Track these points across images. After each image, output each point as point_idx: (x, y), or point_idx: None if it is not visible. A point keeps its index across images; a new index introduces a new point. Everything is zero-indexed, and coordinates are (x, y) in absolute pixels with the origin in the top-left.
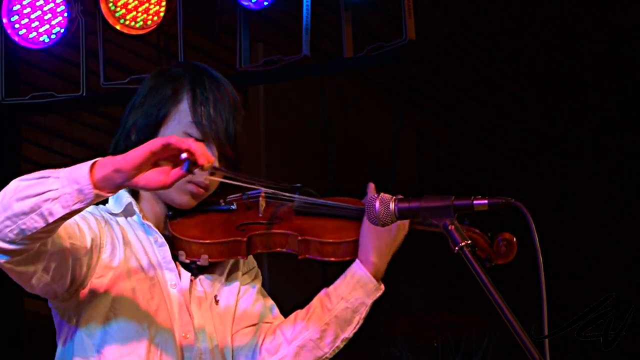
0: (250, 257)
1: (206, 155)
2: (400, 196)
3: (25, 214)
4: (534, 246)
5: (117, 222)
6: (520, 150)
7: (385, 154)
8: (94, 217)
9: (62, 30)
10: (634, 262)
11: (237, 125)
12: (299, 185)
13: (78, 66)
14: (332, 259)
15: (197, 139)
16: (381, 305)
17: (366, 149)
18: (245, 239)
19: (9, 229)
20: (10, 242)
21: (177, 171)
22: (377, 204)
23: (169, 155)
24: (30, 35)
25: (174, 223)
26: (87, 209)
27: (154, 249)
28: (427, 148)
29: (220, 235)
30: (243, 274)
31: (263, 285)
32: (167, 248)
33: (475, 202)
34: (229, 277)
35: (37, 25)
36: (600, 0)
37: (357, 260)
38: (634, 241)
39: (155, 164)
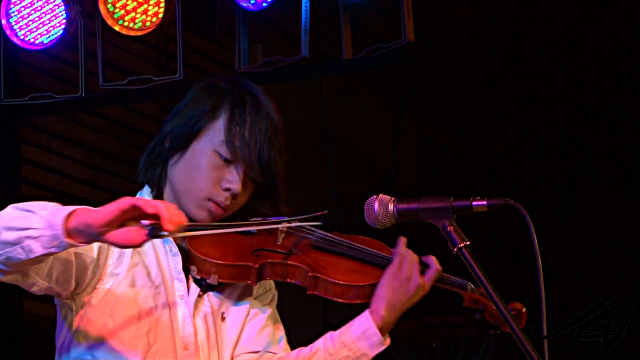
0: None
1: (174, 219)
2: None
3: (10, 244)
4: (533, 247)
5: None
6: (520, 152)
7: (385, 155)
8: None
9: (61, 32)
10: (634, 262)
11: (273, 151)
12: (323, 212)
13: (77, 67)
14: (340, 300)
15: (225, 159)
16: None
17: (366, 150)
18: (257, 266)
19: None
20: (1, 263)
21: (144, 234)
22: (376, 205)
23: (138, 215)
24: (29, 37)
25: (191, 237)
26: None
27: (167, 257)
28: (426, 149)
29: (233, 258)
30: (255, 298)
31: None
32: (179, 258)
33: (474, 203)
34: (240, 298)
35: (36, 27)
36: (600, 1)
37: (366, 311)
38: (634, 241)
39: (125, 223)
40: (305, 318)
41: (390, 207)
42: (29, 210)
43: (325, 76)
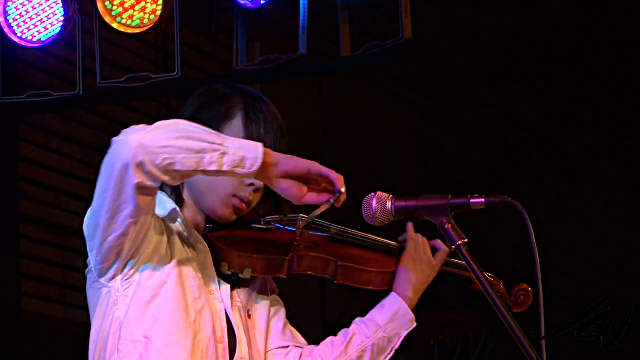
0: (273, 281)
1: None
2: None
3: (191, 151)
4: (531, 245)
5: (165, 223)
6: (520, 151)
7: (384, 153)
8: (159, 220)
9: (59, 29)
10: (634, 262)
11: (284, 147)
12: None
13: (75, 65)
14: (368, 287)
15: None
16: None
17: (365, 148)
18: (288, 258)
19: (165, 156)
20: (156, 166)
21: (317, 197)
22: (374, 203)
23: (319, 180)
24: (27, 34)
25: (216, 235)
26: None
27: (195, 254)
28: (426, 148)
29: (264, 251)
30: (272, 294)
31: None
32: (209, 256)
33: (472, 200)
34: (260, 296)
35: (33, 24)
36: (599, 0)
37: (393, 294)
38: (634, 241)
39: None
40: (304, 314)
41: (388, 204)
42: (210, 132)
43: (323, 74)
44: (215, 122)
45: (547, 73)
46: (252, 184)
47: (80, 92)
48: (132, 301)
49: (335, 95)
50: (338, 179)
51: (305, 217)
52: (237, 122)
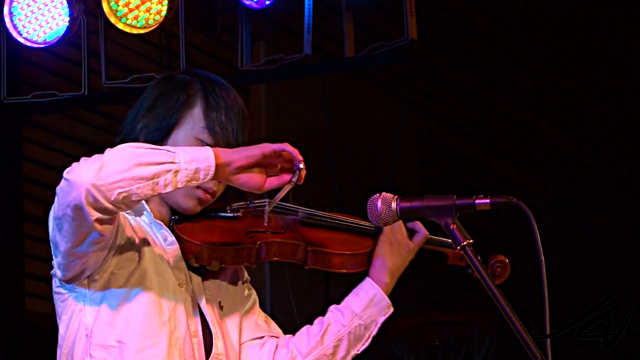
0: (244, 268)
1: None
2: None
3: (144, 179)
4: (536, 245)
5: (133, 218)
6: (522, 151)
7: (387, 154)
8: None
9: (64, 30)
10: (634, 262)
11: (246, 133)
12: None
13: (80, 65)
14: (341, 270)
15: (206, 144)
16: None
17: (368, 149)
18: (255, 246)
19: (119, 191)
20: (111, 203)
21: (277, 180)
22: (379, 203)
23: (274, 162)
24: (32, 35)
25: (182, 227)
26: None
27: (163, 247)
28: (428, 148)
29: (230, 241)
30: (243, 283)
31: (263, 296)
32: (177, 247)
33: (477, 201)
34: (230, 285)
35: (39, 24)
36: (601, 2)
37: (368, 279)
38: (634, 241)
39: (251, 170)
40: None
41: (393, 205)
42: (156, 149)
43: (327, 74)
44: (175, 112)
45: (550, 73)
46: None
47: (85, 93)
48: (101, 306)
49: (337, 96)
50: (294, 152)
51: (271, 201)
52: (197, 111)
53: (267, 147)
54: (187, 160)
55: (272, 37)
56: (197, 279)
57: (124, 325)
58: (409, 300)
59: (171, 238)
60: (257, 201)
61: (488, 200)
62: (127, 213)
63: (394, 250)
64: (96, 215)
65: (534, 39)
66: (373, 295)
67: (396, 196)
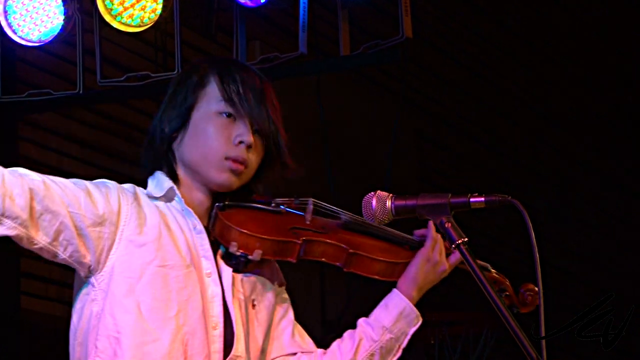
0: (280, 271)
1: None
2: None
3: None
4: (531, 243)
5: (156, 206)
6: (521, 150)
7: (384, 153)
8: (119, 193)
9: (59, 28)
10: (634, 261)
11: (269, 102)
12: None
13: (75, 64)
14: (377, 277)
15: (228, 115)
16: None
17: (365, 148)
18: (300, 242)
19: None
20: None
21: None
22: (374, 202)
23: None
24: (27, 33)
25: (227, 214)
26: (123, 185)
27: (192, 235)
28: (426, 148)
29: (275, 233)
30: (280, 286)
31: None
32: (205, 236)
33: (471, 199)
34: (266, 285)
35: (34, 23)
36: (600, 1)
37: (396, 291)
38: (634, 241)
39: None
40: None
41: (388, 203)
42: None
43: (322, 73)
44: (191, 93)
45: (548, 72)
46: (241, 142)
47: (81, 92)
48: (107, 295)
49: (334, 94)
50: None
51: (317, 202)
52: (212, 87)
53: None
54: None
55: (267, 36)
56: (228, 271)
57: (125, 316)
58: None
59: (200, 227)
60: (302, 199)
61: (483, 199)
62: (156, 199)
63: (429, 267)
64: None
65: (533, 38)
66: (403, 308)
67: (391, 194)
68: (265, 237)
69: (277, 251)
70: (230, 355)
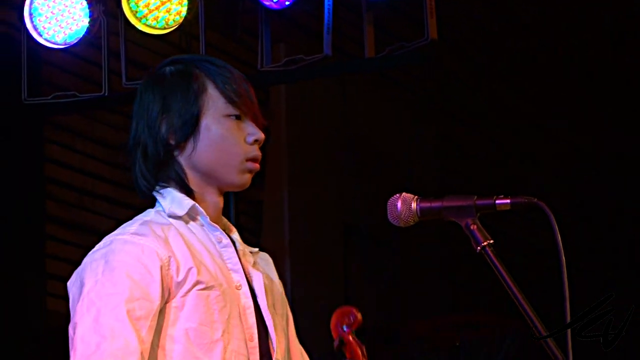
0: None
1: None
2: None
3: None
4: (557, 246)
5: (176, 229)
6: (542, 152)
7: (406, 154)
8: (156, 259)
9: (85, 31)
10: None
11: (254, 95)
12: None
13: (100, 66)
14: None
15: (236, 117)
16: (402, 308)
17: (386, 149)
18: None
19: None
20: None
21: None
22: (399, 204)
23: None
24: (53, 35)
25: None
26: (148, 247)
27: (217, 249)
28: (447, 149)
29: None
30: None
31: (286, 284)
32: (232, 249)
33: (497, 201)
34: (278, 291)
35: (59, 25)
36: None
37: None
38: None
39: None
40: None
41: (414, 205)
42: None
43: (347, 75)
44: (194, 101)
45: (570, 74)
46: (255, 140)
47: (106, 93)
48: (163, 324)
49: (357, 96)
50: None
51: None
52: (212, 91)
53: None
54: None
55: (292, 37)
56: (258, 277)
57: (174, 347)
58: (430, 303)
59: (226, 240)
60: None
61: (509, 201)
62: (179, 218)
63: None
64: None
65: (554, 40)
66: None
67: (416, 197)
68: None
69: None
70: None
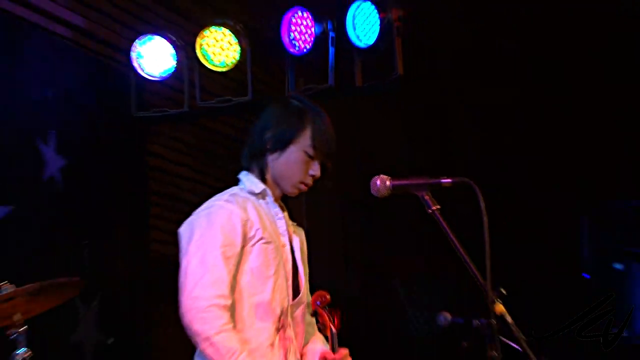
0: None
1: None
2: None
3: None
4: (481, 214)
5: (252, 202)
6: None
7: (383, 151)
8: (239, 219)
9: (173, 68)
10: None
11: (332, 150)
12: None
13: (182, 92)
14: None
15: (310, 157)
16: (385, 249)
17: (369, 149)
18: None
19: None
20: None
21: None
22: (378, 182)
23: None
24: (151, 71)
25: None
26: (229, 203)
27: (274, 220)
28: (415, 141)
29: None
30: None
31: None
32: (283, 222)
33: (442, 180)
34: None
35: (156, 65)
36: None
37: None
38: None
39: None
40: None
41: (388, 182)
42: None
43: (345, 98)
44: (295, 131)
45: (581, 72)
46: (313, 175)
47: (186, 110)
48: (241, 262)
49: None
50: None
51: None
52: (308, 132)
53: None
54: None
55: (308, 73)
56: (296, 242)
57: (244, 276)
58: (402, 249)
59: (281, 214)
60: None
61: (450, 180)
62: (255, 195)
63: None
64: None
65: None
66: None
67: (389, 177)
68: None
69: None
70: (298, 298)
